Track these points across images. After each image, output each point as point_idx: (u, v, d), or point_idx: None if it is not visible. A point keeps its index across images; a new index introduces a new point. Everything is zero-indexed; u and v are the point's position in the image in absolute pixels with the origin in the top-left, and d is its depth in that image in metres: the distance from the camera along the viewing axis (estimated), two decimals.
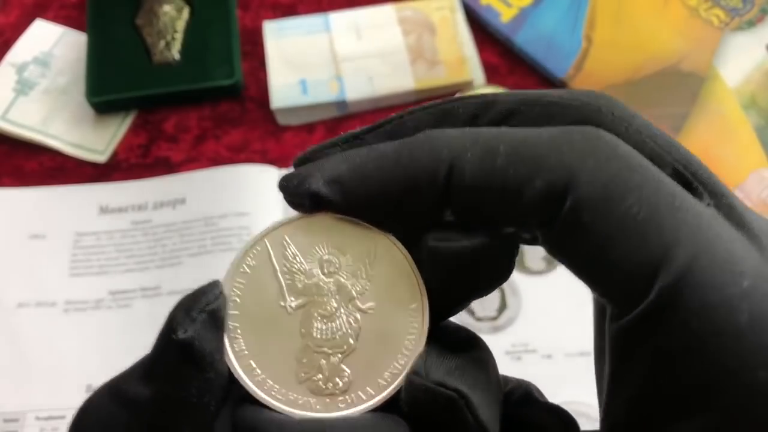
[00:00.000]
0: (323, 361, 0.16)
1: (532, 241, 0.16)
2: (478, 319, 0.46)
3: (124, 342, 0.46)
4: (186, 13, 0.58)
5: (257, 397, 0.16)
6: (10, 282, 0.48)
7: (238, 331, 0.16)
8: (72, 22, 0.59)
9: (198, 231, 0.50)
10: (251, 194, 0.51)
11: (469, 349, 0.16)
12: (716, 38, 0.55)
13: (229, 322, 0.16)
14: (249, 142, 0.54)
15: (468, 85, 0.55)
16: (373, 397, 0.16)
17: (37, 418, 0.44)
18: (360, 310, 0.17)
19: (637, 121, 0.16)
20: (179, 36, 0.56)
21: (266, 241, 0.17)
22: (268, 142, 0.54)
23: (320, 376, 0.16)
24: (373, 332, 0.17)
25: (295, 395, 0.16)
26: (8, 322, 0.47)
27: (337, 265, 0.17)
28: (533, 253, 0.49)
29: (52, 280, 0.49)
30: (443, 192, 0.16)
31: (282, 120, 0.54)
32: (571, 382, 0.45)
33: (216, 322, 0.16)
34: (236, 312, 0.17)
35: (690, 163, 0.16)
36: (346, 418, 0.16)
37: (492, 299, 0.47)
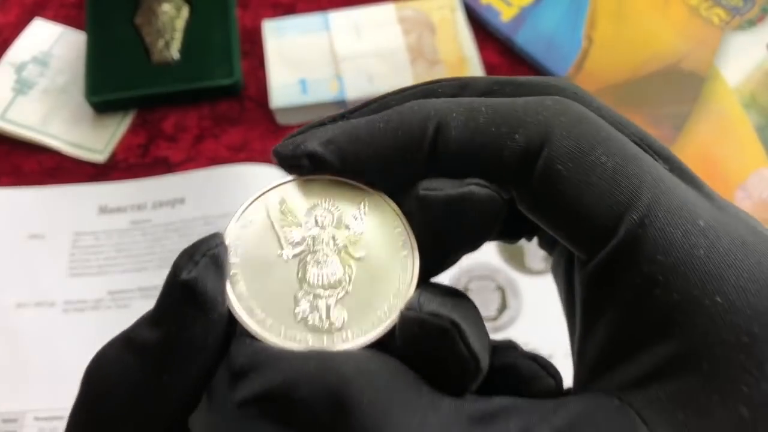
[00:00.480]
0: (319, 302, 0.17)
1: (509, 202, 0.17)
2: None
3: None
4: (185, 12, 0.57)
5: (257, 336, 0.17)
6: (9, 282, 0.48)
7: (238, 276, 0.17)
8: (71, 21, 0.59)
9: (197, 231, 0.49)
10: (251, 194, 0.50)
11: (457, 297, 0.18)
12: (717, 37, 0.55)
13: (230, 270, 0.17)
14: (248, 142, 0.54)
15: None
16: (367, 333, 0.17)
17: (36, 419, 0.44)
18: (353, 257, 0.18)
19: (596, 102, 0.18)
20: (178, 35, 0.56)
21: (265, 197, 0.18)
22: (267, 141, 0.54)
23: (317, 315, 0.17)
24: (366, 277, 0.18)
25: (293, 332, 0.17)
26: (7, 322, 0.47)
27: (331, 219, 0.18)
28: (533, 253, 0.49)
29: (51, 280, 0.48)
30: (431, 150, 0.17)
31: (281, 119, 0.54)
32: (571, 381, 0.45)
33: (217, 265, 0.17)
34: (236, 260, 0.17)
35: (645, 136, 0.18)
36: (345, 351, 0.16)
37: (492, 299, 0.47)
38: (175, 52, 0.56)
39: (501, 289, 0.48)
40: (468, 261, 0.48)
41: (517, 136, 0.16)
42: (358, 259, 0.18)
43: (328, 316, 0.17)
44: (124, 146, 0.54)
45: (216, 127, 0.54)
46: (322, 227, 0.18)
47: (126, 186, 0.52)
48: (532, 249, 0.49)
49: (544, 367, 0.18)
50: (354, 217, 0.18)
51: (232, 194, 0.50)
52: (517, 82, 0.18)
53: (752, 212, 0.26)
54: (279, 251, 0.18)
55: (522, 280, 0.48)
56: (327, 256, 0.18)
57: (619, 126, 0.18)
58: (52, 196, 0.52)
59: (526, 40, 0.56)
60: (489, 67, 0.56)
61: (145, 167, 0.53)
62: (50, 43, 0.58)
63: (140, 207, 0.51)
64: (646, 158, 0.16)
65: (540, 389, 0.17)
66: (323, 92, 0.54)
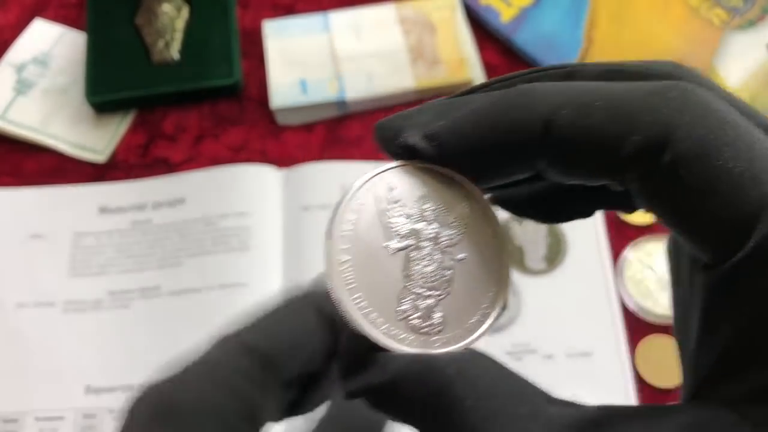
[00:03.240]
0: (422, 302, 0.17)
1: (623, 194, 0.17)
2: None
3: (124, 342, 0.46)
4: (185, 12, 0.57)
5: (362, 330, 0.17)
6: (10, 282, 0.48)
7: (349, 263, 0.17)
8: (71, 21, 0.59)
9: (198, 231, 0.49)
10: (251, 194, 0.51)
11: None
12: (717, 38, 0.55)
13: (341, 256, 0.17)
14: (248, 142, 0.54)
15: (468, 84, 0.55)
16: (463, 339, 0.17)
17: (37, 419, 0.44)
18: (454, 259, 0.18)
19: (719, 88, 0.17)
20: (179, 35, 0.56)
21: (373, 182, 0.18)
22: (267, 141, 0.54)
23: (417, 315, 0.17)
24: (464, 280, 0.18)
25: (396, 330, 0.17)
26: (7, 323, 0.47)
27: (436, 214, 0.18)
28: (533, 253, 0.49)
29: (51, 281, 0.48)
30: (538, 148, 0.16)
31: (282, 120, 0.54)
32: (572, 382, 0.45)
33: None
34: (347, 246, 0.17)
35: None
36: (448, 353, 0.17)
37: None
38: (175, 53, 0.56)
39: None
40: None
41: (634, 137, 0.15)
42: (459, 261, 0.18)
43: (429, 317, 0.17)
44: (124, 146, 0.54)
45: (216, 127, 0.54)
46: (429, 222, 0.18)
47: (126, 186, 0.52)
48: (532, 249, 0.49)
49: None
50: (458, 216, 0.18)
51: (233, 194, 0.51)
52: (629, 72, 0.17)
53: None
54: (385, 242, 0.18)
55: (522, 280, 0.48)
56: (431, 255, 0.18)
57: (747, 115, 0.16)
58: (52, 196, 0.52)
59: (525, 40, 0.56)
60: (489, 68, 0.56)
61: (145, 167, 0.53)
62: (50, 44, 0.58)
63: (140, 207, 0.51)
64: None
65: None
66: (323, 92, 0.54)
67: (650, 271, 0.48)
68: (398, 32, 0.57)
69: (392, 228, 0.18)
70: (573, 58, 0.55)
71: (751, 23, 0.56)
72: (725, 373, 0.15)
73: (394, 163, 0.18)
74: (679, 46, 0.55)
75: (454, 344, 0.17)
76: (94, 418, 0.44)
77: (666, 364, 0.45)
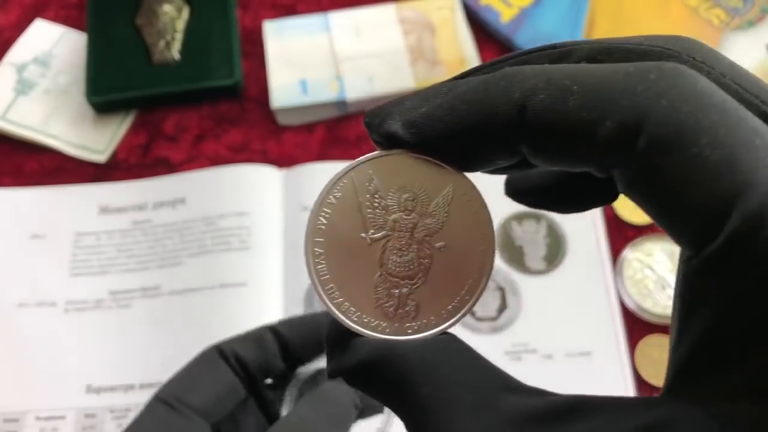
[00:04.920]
0: (396, 291, 0.18)
1: (607, 182, 0.16)
2: (479, 319, 0.46)
3: (125, 342, 0.46)
4: (186, 13, 0.58)
5: (335, 316, 0.18)
6: (11, 282, 0.48)
7: (323, 256, 0.18)
8: (72, 22, 0.59)
9: (198, 231, 0.50)
10: (251, 194, 0.51)
11: None
12: (716, 38, 0.55)
13: (315, 248, 0.18)
14: (249, 142, 0.54)
15: None
16: (435, 326, 0.18)
17: (37, 418, 0.44)
18: (432, 247, 0.18)
19: (721, 65, 0.16)
20: (179, 36, 0.56)
21: (352, 175, 0.18)
22: (268, 141, 0.54)
23: (392, 303, 0.18)
24: (443, 268, 0.18)
25: (368, 318, 0.18)
26: (8, 322, 0.47)
27: (415, 204, 0.18)
28: (533, 253, 0.49)
29: (52, 280, 0.49)
30: (516, 133, 0.16)
31: (282, 120, 0.54)
32: (571, 382, 0.45)
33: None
34: (321, 239, 0.18)
35: None
36: (414, 340, 0.18)
37: (492, 299, 0.47)
38: (175, 53, 0.56)
39: (501, 289, 0.48)
40: None
41: (608, 122, 0.15)
42: (438, 249, 0.18)
43: (402, 306, 0.18)
44: (124, 146, 0.54)
45: (216, 128, 0.55)
46: (407, 212, 0.18)
47: (127, 186, 0.52)
48: (532, 249, 0.49)
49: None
50: (438, 204, 0.18)
51: (233, 194, 0.51)
52: (625, 49, 0.17)
53: None
54: (362, 233, 0.18)
55: (522, 280, 0.48)
56: (408, 244, 0.18)
57: (745, 98, 0.15)
58: (53, 196, 0.52)
59: (525, 40, 0.56)
60: None
61: (145, 167, 0.53)
62: (51, 44, 0.58)
63: (141, 207, 0.51)
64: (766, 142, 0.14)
65: None
66: (323, 92, 0.54)
67: (649, 270, 0.48)
68: (398, 32, 0.57)
69: (370, 219, 0.18)
70: None
71: (751, 23, 0.56)
72: (695, 370, 0.15)
73: (376, 153, 0.18)
74: None
75: (426, 331, 0.18)
76: (95, 418, 0.44)
77: (665, 364, 0.45)
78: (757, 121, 0.14)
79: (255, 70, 0.56)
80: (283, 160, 0.53)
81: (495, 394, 0.15)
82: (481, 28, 0.58)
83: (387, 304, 0.18)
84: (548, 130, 0.16)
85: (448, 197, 0.18)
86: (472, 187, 0.18)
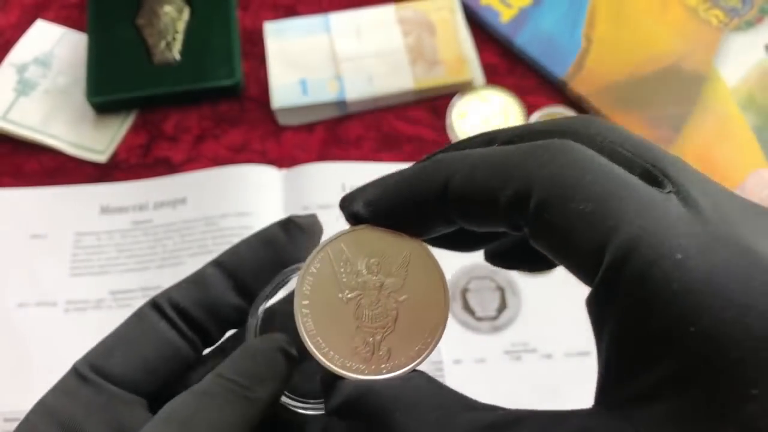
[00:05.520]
0: (370, 339, 0.22)
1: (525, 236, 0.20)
2: (478, 319, 0.46)
3: None
4: (186, 13, 0.58)
5: (323, 364, 0.21)
6: (11, 282, 0.49)
7: (309, 315, 0.22)
8: (72, 22, 0.59)
9: (198, 231, 0.50)
10: (252, 194, 0.51)
11: None
12: (715, 38, 0.55)
13: (303, 309, 0.22)
14: (249, 142, 0.54)
15: (467, 85, 0.55)
16: (405, 365, 0.21)
17: None
18: (397, 301, 0.22)
19: (612, 134, 0.19)
20: (180, 36, 0.57)
21: (328, 248, 0.22)
22: (268, 142, 0.54)
23: (368, 349, 0.22)
24: (407, 317, 0.22)
25: (350, 363, 0.22)
26: (9, 322, 0.47)
27: (380, 267, 0.22)
28: None
29: (52, 280, 0.49)
30: (444, 205, 0.20)
31: (282, 120, 0.55)
32: (571, 381, 0.45)
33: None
34: (307, 301, 0.22)
35: (660, 161, 0.19)
36: (388, 379, 0.21)
37: (492, 299, 0.47)
38: (176, 53, 0.56)
39: (500, 289, 0.48)
40: (468, 261, 0.49)
41: (507, 191, 0.19)
42: (402, 302, 0.22)
43: (377, 350, 0.22)
44: (125, 147, 0.54)
45: (217, 128, 0.55)
46: (374, 274, 0.22)
47: (127, 186, 0.52)
48: None
49: None
50: (399, 265, 0.22)
51: (233, 194, 0.51)
52: (536, 131, 0.20)
53: None
54: (340, 294, 0.22)
55: (521, 280, 0.48)
56: (377, 300, 0.22)
57: (629, 159, 0.19)
58: (53, 196, 0.52)
59: (525, 40, 0.56)
60: (488, 68, 0.56)
61: (146, 167, 0.53)
62: (52, 44, 0.58)
63: (141, 207, 0.51)
64: (636, 192, 0.17)
65: None
66: (323, 92, 0.54)
67: None
68: (398, 33, 0.57)
69: (344, 282, 0.22)
70: (572, 59, 0.55)
71: (750, 24, 0.56)
72: (610, 383, 0.18)
73: (347, 229, 0.22)
74: (678, 47, 0.55)
75: (398, 370, 0.21)
76: None
77: None
78: (631, 178, 0.18)
79: (255, 70, 0.57)
80: (283, 160, 0.53)
81: (455, 412, 0.19)
82: (480, 28, 0.58)
83: (364, 350, 0.22)
84: (464, 199, 0.20)
85: (406, 259, 0.22)
86: (426, 249, 0.22)
